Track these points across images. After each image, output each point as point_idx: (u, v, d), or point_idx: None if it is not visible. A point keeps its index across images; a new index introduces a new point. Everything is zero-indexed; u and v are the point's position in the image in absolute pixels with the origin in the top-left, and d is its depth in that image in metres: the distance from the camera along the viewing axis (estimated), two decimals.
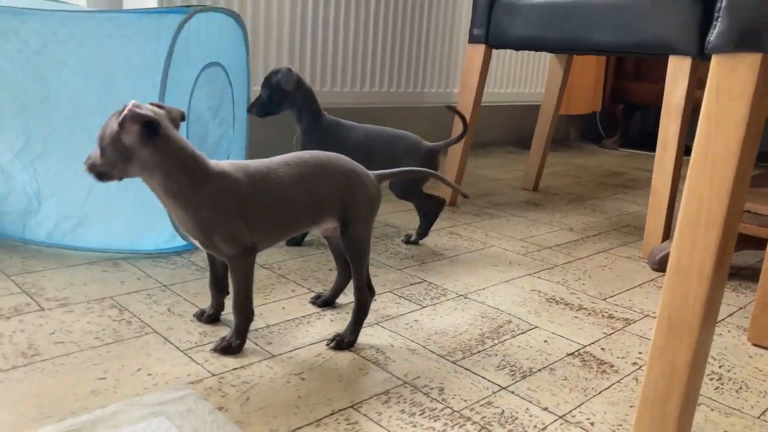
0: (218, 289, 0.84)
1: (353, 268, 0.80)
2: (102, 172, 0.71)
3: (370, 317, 0.89)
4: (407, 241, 1.24)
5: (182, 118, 0.75)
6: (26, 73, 1.02)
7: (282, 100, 1.14)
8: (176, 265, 1.04)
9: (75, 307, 0.86)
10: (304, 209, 0.77)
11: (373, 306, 0.93)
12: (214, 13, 1.11)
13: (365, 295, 0.80)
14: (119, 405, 0.64)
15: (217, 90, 1.19)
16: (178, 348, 0.77)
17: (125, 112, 0.67)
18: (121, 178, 0.72)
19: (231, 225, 0.72)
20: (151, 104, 0.71)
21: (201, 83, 1.10)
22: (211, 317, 0.84)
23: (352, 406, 0.67)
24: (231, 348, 0.76)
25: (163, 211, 1.01)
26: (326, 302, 0.92)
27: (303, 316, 0.88)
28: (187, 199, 0.71)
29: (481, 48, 1.48)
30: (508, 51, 2.26)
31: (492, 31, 1.45)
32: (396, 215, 1.44)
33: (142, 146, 0.68)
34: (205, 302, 0.90)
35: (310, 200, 0.77)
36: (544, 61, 2.47)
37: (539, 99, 2.45)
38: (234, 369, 0.73)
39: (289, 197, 0.75)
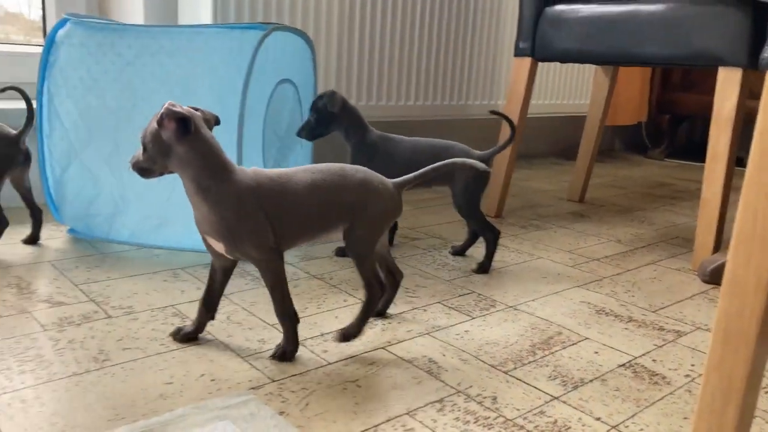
0: (208, 308, 0.83)
1: (356, 265, 0.83)
2: (144, 168, 0.76)
3: (421, 327, 0.91)
4: (454, 252, 1.25)
5: (216, 121, 0.80)
6: (118, 82, 1.08)
7: (329, 122, 1.17)
8: (233, 275, 1.07)
9: (139, 314, 0.90)
10: (319, 214, 0.80)
11: (423, 316, 0.95)
12: (288, 32, 1.15)
13: (373, 291, 0.83)
14: (186, 408, 0.67)
15: (289, 105, 1.24)
16: (238, 355, 0.80)
17: (162, 110, 0.72)
18: (161, 174, 0.77)
19: (255, 224, 0.76)
20: (189, 107, 0.76)
21: (275, 98, 1.15)
22: (188, 336, 0.83)
23: (407, 413, 0.69)
24: (285, 355, 0.79)
25: None
26: (380, 314, 0.94)
27: None
28: (214, 196, 0.74)
29: (527, 61, 1.49)
30: (552, 63, 2.27)
31: (538, 45, 1.46)
32: (442, 227, 1.46)
33: (178, 142, 0.73)
34: (261, 311, 0.93)
35: (324, 206, 0.80)
36: (588, 72, 2.46)
37: (583, 110, 2.45)
38: (293, 375, 0.75)
39: (305, 201, 0.78)
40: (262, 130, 1.13)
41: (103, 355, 0.78)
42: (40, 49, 1.61)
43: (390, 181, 0.84)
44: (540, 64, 1.80)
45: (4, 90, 1.06)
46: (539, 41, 1.46)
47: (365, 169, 0.83)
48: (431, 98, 1.92)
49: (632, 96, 2.65)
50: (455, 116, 2.01)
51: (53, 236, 1.21)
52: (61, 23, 1.12)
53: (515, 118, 1.53)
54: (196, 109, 0.77)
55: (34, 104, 1.12)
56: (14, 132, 1.08)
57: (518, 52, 1.50)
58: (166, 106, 0.72)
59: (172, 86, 1.07)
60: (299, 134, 1.18)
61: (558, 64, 2.29)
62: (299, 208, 0.78)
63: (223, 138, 1.05)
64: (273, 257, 0.77)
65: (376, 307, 0.85)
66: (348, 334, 0.83)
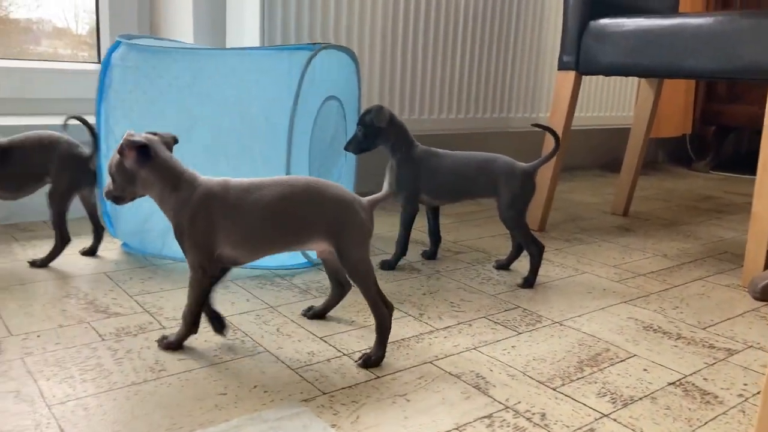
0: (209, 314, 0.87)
1: (361, 290, 0.83)
2: (116, 196, 0.83)
3: (468, 342, 0.91)
4: (498, 266, 1.26)
5: (175, 141, 0.86)
6: (175, 104, 1.12)
7: (376, 136, 1.18)
8: (280, 287, 1.10)
9: None
10: (285, 228, 0.81)
11: (470, 331, 0.95)
12: (334, 50, 1.18)
13: (381, 312, 0.83)
14: (241, 419, 0.69)
15: (334, 121, 1.26)
16: (289, 366, 0.81)
17: (122, 141, 0.78)
18: (132, 199, 0.84)
19: (200, 236, 0.80)
20: (147, 132, 0.82)
21: (320, 113, 1.18)
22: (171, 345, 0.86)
23: (456, 428, 0.69)
24: (170, 345, 0.84)
25: None
26: (316, 315, 0.97)
27: (402, 339, 0.91)
28: (173, 205, 0.81)
29: (570, 75, 1.49)
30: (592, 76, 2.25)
31: (582, 58, 1.46)
32: (485, 240, 1.46)
33: (140, 168, 0.80)
34: (309, 324, 0.95)
35: (292, 220, 0.81)
36: (630, 84, 2.44)
37: (625, 122, 2.42)
38: (342, 388, 0.77)
39: (267, 213, 0.80)
40: (308, 145, 1.15)
41: (159, 365, 0.80)
42: (89, 66, 1.67)
43: (362, 198, 0.85)
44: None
45: (67, 120, 1.11)
46: (583, 55, 1.46)
47: (339, 186, 0.83)
48: (473, 111, 1.92)
49: (676, 108, 2.61)
50: (496, 129, 2.01)
51: (108, 248, 1.25)
52: (115, 46, 1.16)
53: (559, 132, 1.53)
54: (154, 134, 0.82)
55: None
56: (87, 153, 1.13)
57: (562, 66, 1.50)
58: (125, 136, 0.78)
59: (226, 107, 1.10)
60: (346, 148, 1.19)
61: (600, 76, 2.28)
62: (256, 220, 0.80)
63: (273, 154, 1.08)
64: (200, 276, 0.82)
65: (389, 326, 0.84)
66: (371, 361, 0.83)
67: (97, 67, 1.68)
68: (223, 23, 1.57)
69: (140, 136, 0.79)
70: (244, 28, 1.49)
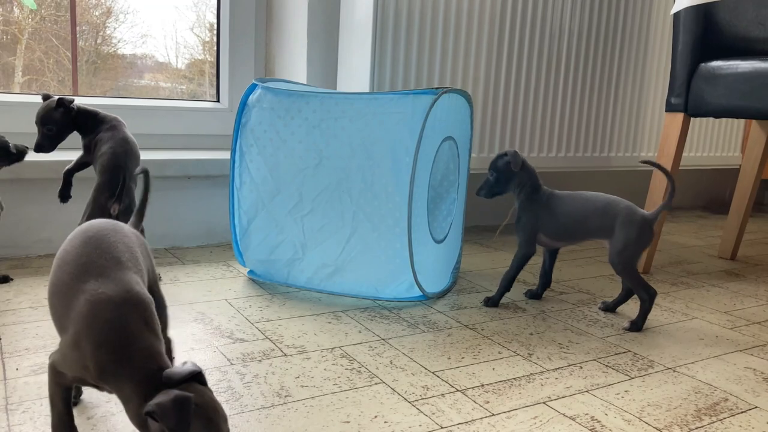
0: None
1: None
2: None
3: (580, 384, 0.92)
4: (605, 308, 1.25)
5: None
6: (304, 143, 1.19)
7: (509, 180, 1.22)
8: (389, 320, 1.13)
9: (311, 354, 0.97)
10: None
11: (581, 373, 0.96)
12: (452, 93, 1.23)
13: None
14: None
15: (444, 157, 1.31)
16: (406, 399, 0.84)
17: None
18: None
19: None
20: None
21: (440, 152, 1.24)
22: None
23: None
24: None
25: (405, 263, 1.14)
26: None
27: (514, 378, 0.93)
28: None
29: (679, 117, 1.47)
30: None
31: (691, 100, 1.44)
32: (588, 281, 1.45)
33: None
34: (421, 358, 0.98)
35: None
36: (737, 124, 2.36)
37: (729, 162, 2.34)
38: (459, 423, 0.79)
39: None
40: (428, 182, 1.19)
41: (284, 391, 0.85)
42: (206, 105, 1.79)
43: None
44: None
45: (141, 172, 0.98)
46: (693, 97, 1.44)
47: None
48: (574, 149, 1.92)
49: None
50: (599, 168, 2.00)
51: (225, 276, 1.33)
52: (251, 88, 1.25)
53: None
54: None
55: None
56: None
57: (670, 108, 1.49)
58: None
59: (352, 147, 1.16)
60: (479, 193, 1.24)
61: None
62: None
63: (395, 191, 1.13)
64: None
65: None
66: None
67: (214, 105, 1.80)
68: (334, 68, 1.65)
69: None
70: (355, 72, 1.56)
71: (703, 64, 1.42)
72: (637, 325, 1.15)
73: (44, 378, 0.72)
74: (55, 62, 1.69)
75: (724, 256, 1.77)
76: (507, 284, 1.25)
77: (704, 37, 1.43)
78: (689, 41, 1.43)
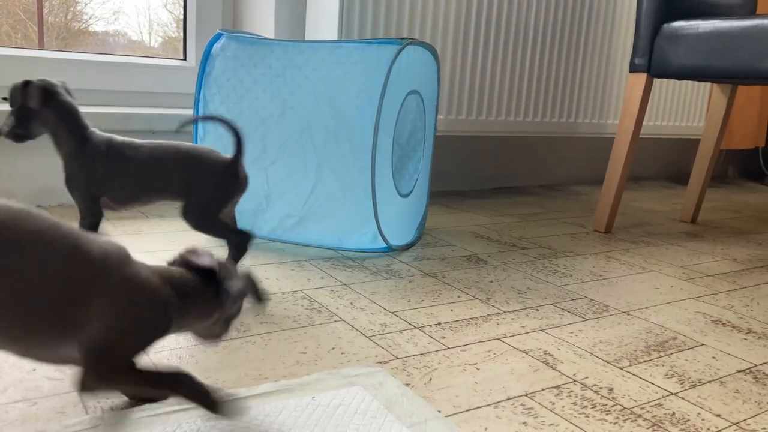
0: None
1: None
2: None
3: (535, 324, 0.94)
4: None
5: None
6: (268, 92, 1.19)
7: (28, 119, 0.92)
8: (352, 269, 1.14)
9: (272, 296, 0.98)
10: None
11: (537, 315, 0.98)
12: (419, 46, 1.23)
13: None
14: (321, 374, 0.74)
15: (413, 115, 1.32)
16: (363, 334, 0.86)
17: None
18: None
19: None
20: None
21: (403, 107, 1.23)
22: None
23: (526, 395, 0.72)
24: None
25: (369, 214, 1.15)
26: None
27: (471, 318, 0.94)
28: None
29: (642, 77, 1.50)
30: (663, 83, 2.24)
31: (654, 61, 1.47)
32: (551, 238, 1.48)
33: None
34: (381, 300, 0.99)
35: None
36: (702, 93, 2.40)
37: (695, 132, 2.39)
38: (415, 355, 0.80)
39: None
40: (392, 135, 1.20)
41: (243, 327, 0.85)
42: (173, 62, 1.77)
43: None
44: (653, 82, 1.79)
45: (184, 124, 0.98)
46: (656, 57, 1.46)
47: None
48: (541, 114, 1.94)
49: (750, 119, 2.56)
50: (562, 133, 2.02)
51: (188, 229, 1.32)
52: (216, 37, 1.24)
53: (628, 136, 1.53)
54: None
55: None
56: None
57: (633, 68, 1.51)
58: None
59: (316, 96, 1.16)
60: (3, 135, 0.93)
61: (670, 83, 2.26)
62: None
63: (359, 141, 1.13)
64: None
65: None
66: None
67: (181, 63, 1.78)
68: (302, 20, 1.64)
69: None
70: (323, 24, 1.56)
71: (666, 24, 1.44)
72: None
73: None
74: (23, 37, 1.65)
75: (684, 219, 1.80)
76: None
77: None
78: (653, 2, 1.45)
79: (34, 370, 0.70)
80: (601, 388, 0.75)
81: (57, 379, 0.68)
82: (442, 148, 1.94)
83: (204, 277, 0.63)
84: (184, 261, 0.64)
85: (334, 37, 1.51)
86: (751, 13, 1.64)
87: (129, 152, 0.95)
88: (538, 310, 1.00)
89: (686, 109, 2.37)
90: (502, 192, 2.07)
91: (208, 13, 1.75)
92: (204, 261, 0.63)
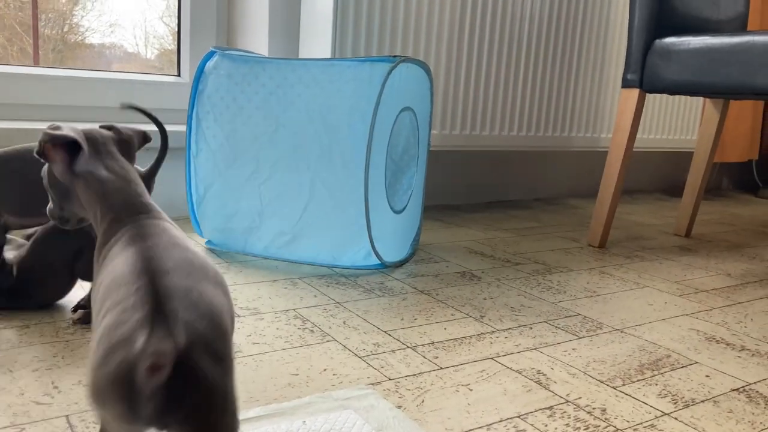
0: None
1: None
2: (58, 216, 0.65)
3: (528, 342, 0.93)
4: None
5: (145, 138, 0.67)
6: (261, 110, 1.19)
7: None
8: (345, 286, 1.14)
9: (264, 315, 0.97)
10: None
11: (530, 333, 0.97)
12: (411, 63, 1.23)
13: None
14: (312, 397, 0.73)
15: (407, 132, 1.32)
16: (356, 355, 0.85)
17: (41, 136, 0.57)
18: (80, 222, 0.66)
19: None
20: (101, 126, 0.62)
21: (396, 124, 1.24)
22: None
23: (518, 416, 0.72)
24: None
25: (362, 230, 1.15)
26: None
27: (464, 337, 0.94)
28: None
29: (635, 92, 1.50)
30: (657, 97, 2.25)
31: (647, 76, 1.47)
32: (544, 253, 1.48)
33: (72, 175, 0.58)
34: (374, 319, 0.99)
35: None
36: (695, 107, 2.41)
37: (688, 146, 2.40)
38: (407, 376, 0.80)
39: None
40: (386, 152, 1.20)
41: (235, 347, 0.85)
42: (167, 78, 1.78)
43: None
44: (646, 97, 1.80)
45: (126, 106, 0.81)
46: (648, 73, 1.47)
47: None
48: (534, 129, 1.95)
49: (743, 132, 2.57)
50: (556, 147, 2.02)
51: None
52: (209, 56, 1.24)
53: (621, 151, 1.54)
54: (110, 127, 0.62)
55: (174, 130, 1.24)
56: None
57: (626, 84, 1.52)
58: (45, 129, 0.57)
59: (309, 114, 1.16)
60: None
61: (663, 98, 2.27)
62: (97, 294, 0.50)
63: (352, 158, 1.14)
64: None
65: None
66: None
67: (175, 79, 1.78)
68: (296, 36, 1.65)
69: (69, 129, 0.57)
70: (316, 40, 1.56)
71: (658, 40, 1.45)
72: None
73: None
74: (19, 50, 1.66)
75: (678, 233, 1.81)
76: None
77: (659, 15, 1.46)
78: (644, 17, 1.46)
79: (22, 394, 0.69)
80: (594, 408, 0.75)
81: (45, 403, 0.68)
82: (435, 163, 1.94)
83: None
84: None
85: (328, 53, 1.52)
86: (742, 29, 1.65)
87: (17, 163, 0.85)
88: (531, 328, 1.00)
89: (679, 122, 2.38)
90: (496, 206, 2.07)
91: (202, 30, 1.75)
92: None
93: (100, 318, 0.45)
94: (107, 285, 0.48)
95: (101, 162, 0.57)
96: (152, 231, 0.54)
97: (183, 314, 0.42)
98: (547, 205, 2.15)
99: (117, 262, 0.50)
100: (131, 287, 0.44)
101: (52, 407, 0.67)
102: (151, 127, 0.84)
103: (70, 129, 0.57)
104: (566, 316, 1.06)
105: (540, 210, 2.06)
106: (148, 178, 0.85)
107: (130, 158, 0.62)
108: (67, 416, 0.66)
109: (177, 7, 1.77)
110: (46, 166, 0.62)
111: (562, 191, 2.34)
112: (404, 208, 1.33)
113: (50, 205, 0.65)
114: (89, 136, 0.59)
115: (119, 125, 0.63)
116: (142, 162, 0.91)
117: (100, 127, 0.62)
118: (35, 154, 0.59)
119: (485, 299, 1.12)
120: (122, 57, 1.82)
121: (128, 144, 0.62)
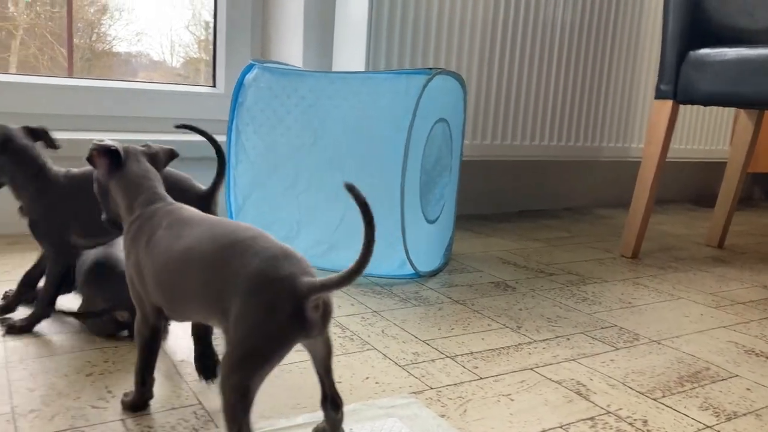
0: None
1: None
2: (107, 219, 0.73)
3: (566, 353, 0.94)
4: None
5: (171, 156, 0.77)
6: (300, 122, 1.22)
7: None
8: (381, 295, 1.16)
9: None
10: (185, 292, 0.61)
11: (568, 344, 0.98)
12: (446, 75, 1.25)
13: None
14: (357, 404, 0.75)
15: (438, 141, 1.34)
16: (396, 363, 0.87)
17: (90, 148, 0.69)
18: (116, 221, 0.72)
19: (129, 272, 0.67)
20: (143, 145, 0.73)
21: (431, 135, 1.25)
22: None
23: (560, 427, 0.72)
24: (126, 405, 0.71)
25: (397, 240, 1.16)
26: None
27: (502, 348, 0.95)
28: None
29: (668, 104, 1.50)
30: (687, 107, 2.24)
31: (680, 87, 1.47)
32: (577, 264, 1.48)
33: (109, 178, 0.70)
34: (412, 328, 1.00)
35: (194, 284, 0.60)
36: (727, 117, 2.40)
37: (719, 155, 2.38)
38: (448, 385, 0.81)
39: (168, 268, 0.62)
40: (420, 163, 1.22)
41: None
42: (202, 89, 1.81)
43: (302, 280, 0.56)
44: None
45: (181, 126, 0.93)
46: (682, 84, 1.47)
47: (269, 252, 0.60)
48: (566, 138, 1.95)
49: None
50: (589, 157, 2.02)
51: None
52: (248, 68, 1.27)
53: (654, 163, 1.53)
54: (145, 145, 0.73)
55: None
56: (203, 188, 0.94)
57: (659, 95, 1.51)
58: (93, 141, 0.69)
59: (346, 126, 1.19)
60: None
61: (693, 107, 2.26)
62: (163, 276, 0.63)
63: (388, 170, 1.15)
64: (141, 318, 0.68)
65: None
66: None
67: (210, 90, 1.82)
68: (330, 50, 1.67)
69: (110, 141, 0.69)
70: (350, 52, 1.59)
71: (692, 51, 1.45)
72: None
73: None
74: (50, 59, 1.70)
75: (711, 244, 1.79)
76: (45, 307, 0.90)
77: (693, 25, 1.46)
78: (679, 28, 1.46)
79: (78, 398, 0.72)
80: (635, 420, 0.75)
81: (101, 407, 0.70)
82: (466, 172, 1.95)
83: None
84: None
85: (362, 63, 1.54)
86: None
87: (86, 184, 0.84)
88: (569, 339, 1.00)
89: (710, 132, 2.37)
90: (526, 216, 2.07)
91: (238, 42, 1.79)
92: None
93: (185, 279, 0.60)
94: (183, 259, 0.61)
95: (130, 165, 0.70)
96: (194, 213, 0.67)
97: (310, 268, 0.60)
98: (577, 215, 2.15)
99: (186, 240, 0.62)
100: (239, 257, 0.58)
101: (108, 411, 0.69)
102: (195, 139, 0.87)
103: (112, 141, 0.70)
104: (603, 327, 1.06)
105: (570, 220, 2.06)
106: (209, 197, 0.88)
107: (158, 169, 0.74)
108: (123, 420, 0.68)
109: (213, 19, 1.81)
110: (95, 173, 0.71)
111: (591, 201, 2.33)
112: (437, 218, 1.34)
113: (103, 214, 0.73)
114: (125, 148, 0.71)
115: (151, 144, 0.75)
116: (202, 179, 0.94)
117: (141, 146, 0.74)
118: (86, 159, 0.69)
119: (521, 310, 1.13)
120: (148, 65, 1.86)
121: (155, 157, 0.74)
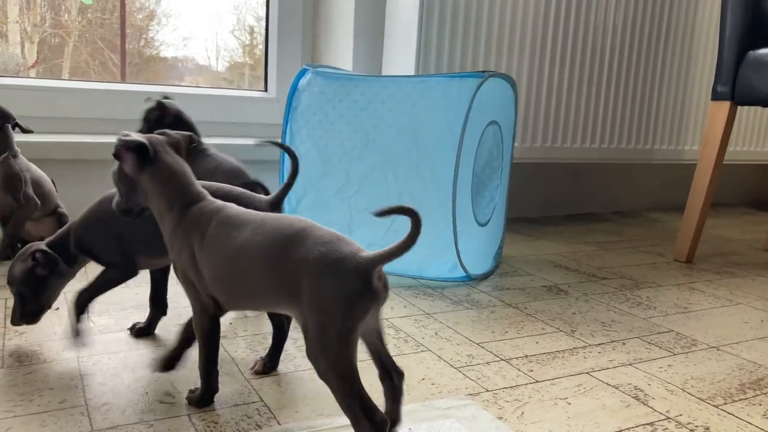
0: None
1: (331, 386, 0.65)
2: (123, 209, 0.73)
3: (623, 358, 0.93)
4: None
5: (191, 141, 0.76)
6: (352, 125, 1.23)
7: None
8: (433, 297, 1.16)
9: None
10: (251, 281, 0.65)
11: (624, 348, 0.97)
12: (498, 78, 1.26)
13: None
14: (415, 405, 0.75)
15: (488, 144, 1.34)
16: (452, 365, 0.87)
17: (116, 142, 0.69)
18: (141, 212, 0.73)
19: (185, 263, 0.69)
20: (157, 132, 0.73)
21: (482, 137, 1.25)
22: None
23: (619, 431, 0.72)
24: (192, 401, 0.73)
25: (449, 243, 1.17)
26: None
27: (557, 351, 0.95)
28: (166, 223, 0.71)
29: (725, 105, 1.47)
30: (742, 108, 2.18)
31: (739, 88, 1.44)
32: (629, 268, 1.46)
33: (140, 173, 0.70)
34: (465, 330, 1.00)
35: (258, 273, 0.64)
36: None
37: None
38: (504, 388, 0.81)
39: (234, 259, 0.65)
40: (472, 166, 1.22)
41: None
42: (253, 94, 1.85)
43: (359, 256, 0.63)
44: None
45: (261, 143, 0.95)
46: (740, 85, 1.44)
47: (326, 237, 0.65)
48: (615, 141, 1.92)
49: None
50: (641, 160, 1.99)
51: None
52: (302, 73, 1.30)
53: (711, 165, 1.50)
54: (162, 133, 0.73)
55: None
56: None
57: (716, 96, 1.48)
58: (118, 136, 0.69)
59: (399, 129, 1.20)
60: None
61: (749, 108, 2.20)
62: (223, 270, 0.66)
63: (440, 172, 1.16)
64: (200, 314, 0.70)
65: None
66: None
67: (262, 94, 1.85)
68: (380, 56, 1.69)
69: (137, 135, 0.69)
70: (401, 55, 1.60)
71: (751, 51, 1.42)
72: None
73: None
74: (100, 64, 1.76)
75: None
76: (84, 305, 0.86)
77: (752, 25, 1.43)
78: (737, 29, 1.43)
79: (146, 393, 0.74)
80: (696, 426, 0.74)
81: (168, 403, 0.73)
82: (514, 175, 1.94)
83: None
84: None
85: (411, 69, 1.55)
86: None
87: None
88: (624, 343, 0.99)
89: (765, 134, 2.30)
90: (575, 219, 2.05)
91: (289, 47, 1.82)
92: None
93: (256, 267, 0.63)
94: (242, 253, 0.64)
95: (163, 159, 0.70)
96: (239, 210, 0.69)
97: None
98: (628, 218, 2.11)
99: (243, 236, 0.65)
100: (311, 245, 0.63)
101: (175, 406, 0.72)
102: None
103: (138, 135, 0.70)
104: (659, 332, 1.05)
105: (621, 223, 2.03)
106: (276, 204, 0.87)
107: (181, 156, 0.74)
108: (189, 415, 0.70)
109: (264, 24, 1.84)
110: (115, 166, 0.71)
111: (642, 204, 2.29)
112: (488, 221, 1.34)
113: (116, 198, 0.73)
114: (150, 140, 0.70)
115: (169, 131, 0.75)
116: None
117: (156, 133, 0.74)
118: (112, 155, 0.69)
119: (574, 314, 1.12)
120: (194, 69, 1.90)
121: (177, 145, 0.73)
